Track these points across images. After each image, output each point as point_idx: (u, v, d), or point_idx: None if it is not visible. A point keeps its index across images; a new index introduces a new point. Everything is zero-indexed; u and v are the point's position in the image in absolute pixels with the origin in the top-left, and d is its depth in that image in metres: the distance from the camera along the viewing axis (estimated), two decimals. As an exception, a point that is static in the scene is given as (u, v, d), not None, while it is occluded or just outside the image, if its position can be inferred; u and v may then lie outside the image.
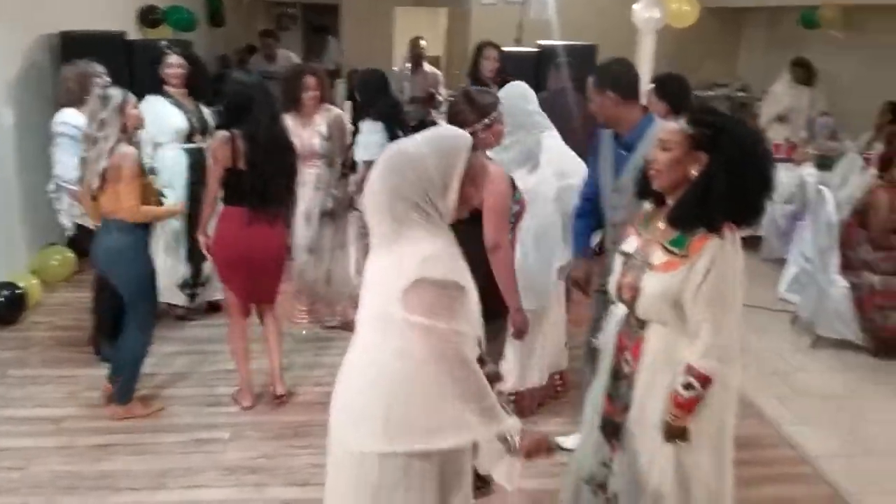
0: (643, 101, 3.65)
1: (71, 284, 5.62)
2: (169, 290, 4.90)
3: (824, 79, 8.92)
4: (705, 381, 2.28)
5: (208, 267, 5.00)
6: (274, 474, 3.55)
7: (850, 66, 8.60)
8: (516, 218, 3.13)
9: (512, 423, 2.04)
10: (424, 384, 1.98)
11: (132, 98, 3.70)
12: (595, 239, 3.65)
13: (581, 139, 5.17)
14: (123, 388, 3.93)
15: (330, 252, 5.01)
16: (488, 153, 3.08)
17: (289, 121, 4.43)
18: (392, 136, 4.67)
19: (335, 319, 5.13)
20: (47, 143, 4.46)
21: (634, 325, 2.47)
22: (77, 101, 4.35)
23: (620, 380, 2.53)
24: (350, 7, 12.66)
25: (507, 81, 4.07)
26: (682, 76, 3.94)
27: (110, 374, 3.98)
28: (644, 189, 2.50)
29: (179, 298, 5.08)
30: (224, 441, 3.80)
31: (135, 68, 5.75)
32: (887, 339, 4.91)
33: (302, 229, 4.89)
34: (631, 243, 2.51)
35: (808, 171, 6.52)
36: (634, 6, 6.78)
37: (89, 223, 4.11)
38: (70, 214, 4.47)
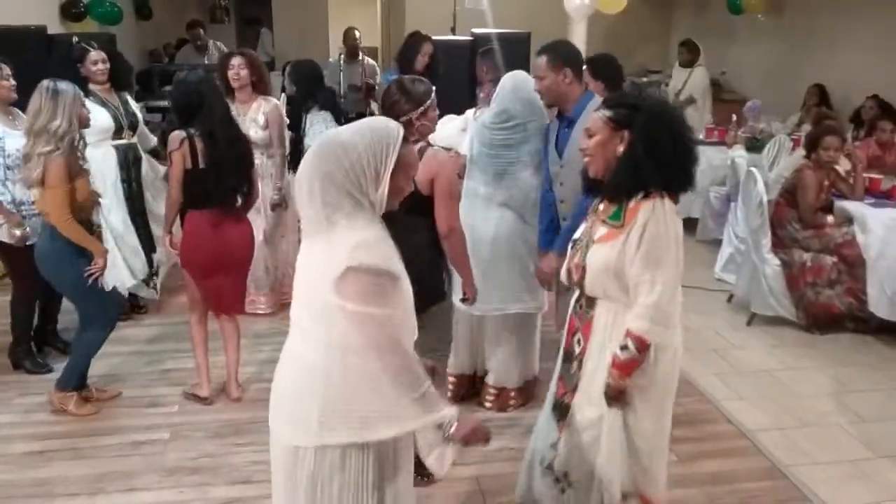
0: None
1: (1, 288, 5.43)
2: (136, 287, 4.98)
3: (752, 63, 9.14)
4: (640, 342, 2.34)
5: (156, 257, 5.08)
6: (216, 474, 3.49)
7: (776, 50, 8.83)
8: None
9: (448, 412, 2.02)
10: (359, 373, 1.96)
11: (81, 94, 3.64)
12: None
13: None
14: (67, 374, 3.88)
15: (268, 243, 5.01)
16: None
17: None
18: (340, 125, 4.67)
19: (275, 307, 5.17)
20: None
21: (585, 306, 2.53)
22: None
23: (571, 361, 2.59)
24: (282, -2, 12.48)
25: (437, 73, 4.08)
26: (613, 55, 4.01)
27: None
28: (589, 184, 2.57)
29: (146, 292, 5.13)
30: (164, 442, 3.71)
31: (56, 64, 5.53)
32: (819, 314, 5.06)
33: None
34: (581, 230, 2.59)
35: (739, 154, 6.66)
36: (566, -7, 6.82)
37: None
38: None
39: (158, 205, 4.84)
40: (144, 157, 5.05)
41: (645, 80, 9.92)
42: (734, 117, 7.52)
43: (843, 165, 5.68)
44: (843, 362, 4.69)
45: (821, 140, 5.09)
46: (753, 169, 5.35)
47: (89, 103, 4.55)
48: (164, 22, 12.33)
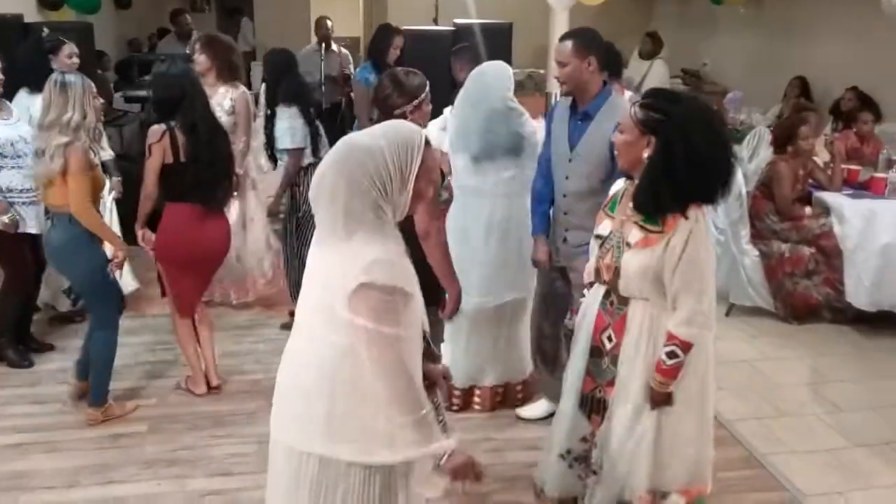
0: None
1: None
2: (54, 294, 4.78)
3: (733, 54, 9.17)
4: (687, 347, 2.43)
5: None
6: (195, 466, 3.47)
7: (758, 42, 8.86)
8: (446, 205, 3.13)
9: (445, 444, 2.00)
10: (366, 387, 1.95)
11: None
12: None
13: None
14: (97, 391, 3.76)
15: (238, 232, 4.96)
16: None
17: None
18: (307, 120, 4.60)
19: (246, 297, 5.15)
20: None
21: (616, 304, 2.57)
22: None
23: (602, 357, 2.63)
24: (263, -13, 12.40)
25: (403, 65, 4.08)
26: (611, 42, 3.88)
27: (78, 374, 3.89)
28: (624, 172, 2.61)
29: (64, 304, 4.85)
30: (142, 434, 3.69)
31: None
32: (797, 304, 5.10)
33: None
34: (605, 226, 2.61)
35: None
36: (548, -17, 6.79)
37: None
38: None
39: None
40: None
41: (626, 70, 9.95)
42: (735, 155, 7.52)
43: (822, 156, 5.72)
44: (821, 352, 4.74)
45: (797, 132, 5.11)
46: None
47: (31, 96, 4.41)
48: (143, 11, 12.20)
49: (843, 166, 5.53)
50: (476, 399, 3.92)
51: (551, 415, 3.27)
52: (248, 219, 5.04)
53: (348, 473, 2.00)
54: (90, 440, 3.64)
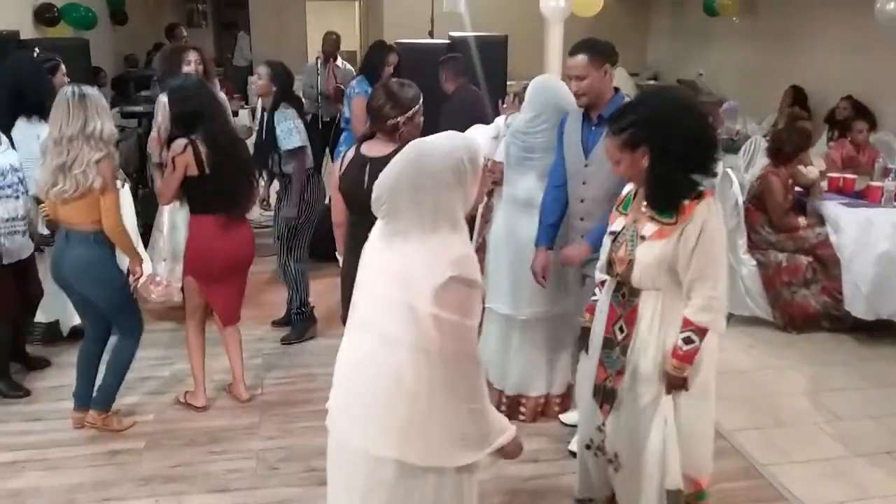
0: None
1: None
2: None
3: (728, 64, 9.19)
4: (703, 333, 2.52)
5: None
6: (192, 482, 3.45)
7: (752, 52, 8.90)
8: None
9: (509, 432, 2.13)
10: (442, 385, 1.99)
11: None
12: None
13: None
14: (105, 394, 3.77)
15: None
16: None
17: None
18: (312, 125, 4.72)
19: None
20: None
21: (628, 295, 2.65)
22: None
23: (614, 348, 2.70)
24: (259, 2, 12.46)
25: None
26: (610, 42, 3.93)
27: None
28: None
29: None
30: (139, 451, 3.67)
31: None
32: (795, 314, 5.09)
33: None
34: (618, 223, 2.69)
35: (715, 155, 6.70)
36: (542, -5, 6.85)
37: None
38: None
39: None
40: None
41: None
42: (710, 119, 7.56)
43: (817, 166, 5.73)
44: (819, 361, 4.72)
45: (799, 153, 5.14)
46: (729, 170, 5.38)
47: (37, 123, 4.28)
48: (139, 27, 12.25)
49: (839, 175, 5.55)
50: (521, 409, 3.94)
51: None
52: None
53: (426, 474, 2.05)
54: (86, 457, 3.62)
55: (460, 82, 5.30)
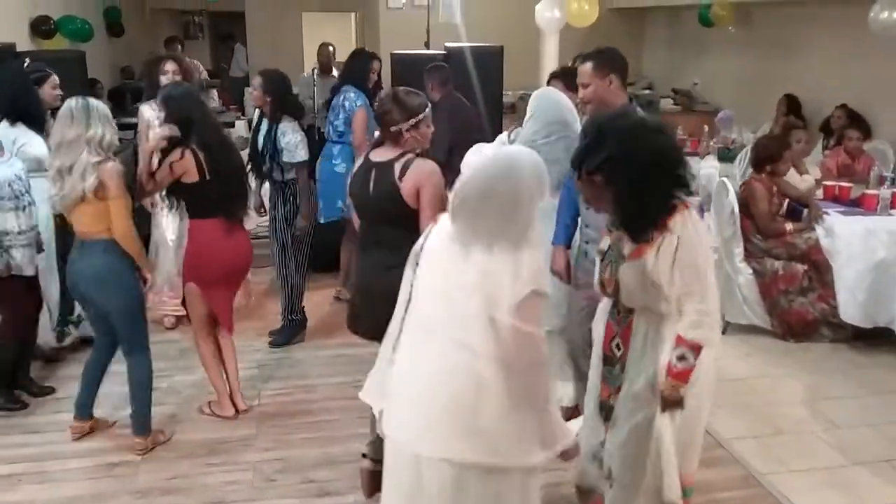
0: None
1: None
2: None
3: (723, 74, 9.21)
4: (697, 349, 2.48)
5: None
6: (189, 494, 3.44)
7: (747, 61, 8.93)
8: None
9: (571, 437, 2.26)
10: (518, 394, 2.08)
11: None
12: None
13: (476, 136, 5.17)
14: (142, 418, 3.72)
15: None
16: None
17: (149, 111, 4.65)
18: (309, 136, 4.73)
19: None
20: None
21: (623, 313, 2.65)
22: None
23: (613, 364, 2.71)
24: (255, 14, 12.49)
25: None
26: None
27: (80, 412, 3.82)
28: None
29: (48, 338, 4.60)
30: (136, 463, 3.65)
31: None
32: (793, 322, 5.08)
33: (172, 223, 4.94)
34: (605, 241, 2.70)
35: (711, 164, 6.71)
36: (537, 6, 6.86)
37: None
38: None
39: None
40: None
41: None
42: (706, 128, 7.59)
43: (813, 174, 5.75)
44: (817, 370, 4.72)
45: (782, 156, 5.13)
46: (725, 179, 5.39)
47: (25, 130, 4.29)
48: (135, 39, 12.27)
49: (835, 183, 5.56)
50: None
51: None
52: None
53: (504, 474, 2.14)
54: (83, 470, 3.60)
55: (446, 90, 5.30)
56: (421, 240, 2.32)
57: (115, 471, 3.60)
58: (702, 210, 6.45)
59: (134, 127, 7.03)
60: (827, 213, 5.14)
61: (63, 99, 4.27)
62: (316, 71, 7.05)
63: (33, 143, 4.25)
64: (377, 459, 3.34)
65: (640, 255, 2.49)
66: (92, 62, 6.17)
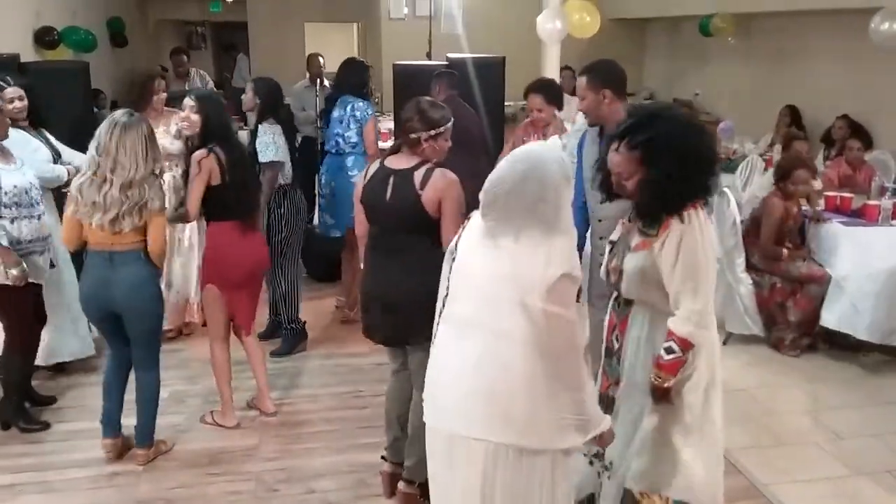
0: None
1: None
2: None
3: (724, 84, 9.23)
4: (685, 344, 2.52)
5: None
6: (191, 504, 3.44)
7: (748, 72, 8.95)
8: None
9: (606, 422, 2.32)
10: (553, 378, 2.15)
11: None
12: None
13: (480, 149, 5.21)
14: (148, 429, 3.72)
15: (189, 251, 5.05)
16: None
17: None
18: (289, 142, 4.76)
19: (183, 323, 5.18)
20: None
21: (622, 305, 2.73)
22: None
23: (612, 356, 2.79)
24: (258, 25, 12.54)
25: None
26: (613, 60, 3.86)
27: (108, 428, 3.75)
28: (608, 191, 2.71)
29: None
30: (137, 473, 3.65)
31: (28, 92, 5.51)
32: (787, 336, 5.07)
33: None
34: (616, 232, 2.76)
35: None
36: (538, 18, 6.89)
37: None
38: None
39: None
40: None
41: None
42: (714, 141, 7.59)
43: (815, 184, 5.74)
44: (819, 380, 4.72)
45: (791, 173, 5.08)
46: (727, 189, 5.39)
47: (26, 135, 4.22)
48: (139, 49, 12.32)
49: (836, 194, 5.56)
50: None
51: None
52: (191, 245, 5.11)
53: (539, 456, 2.20)
54: (84, 480, 3.60)
55: (450, 95, 5.31)
56: (456, 237, 2.40)
57: (116, 480, 3.60)
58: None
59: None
60: (829, 220, 5.16)
61: (27, 110, 4.25)
62: (318, 82, 7.05)
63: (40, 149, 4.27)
64: (396, 462, 3.37)
65: (643, 248, 2.56)
66: (96, 73, 6.18)
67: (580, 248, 3.59)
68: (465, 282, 2.27)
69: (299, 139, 7.08)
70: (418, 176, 3.03)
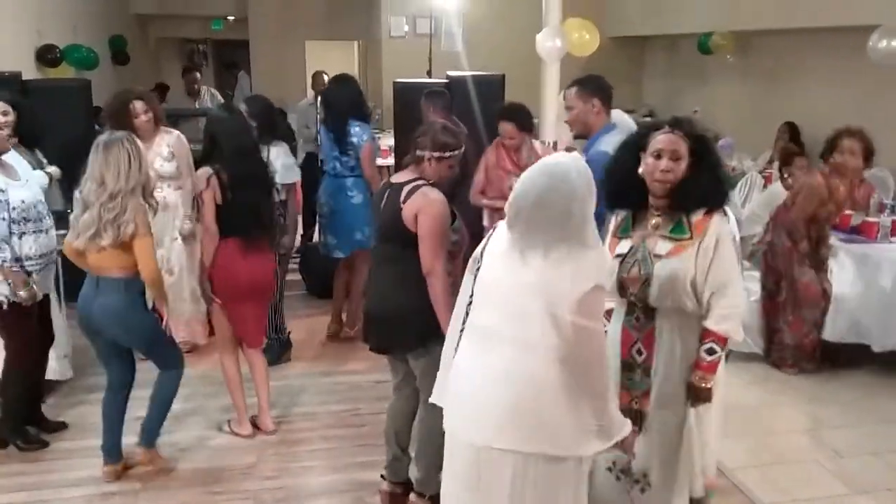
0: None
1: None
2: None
3: (723, 102, 9.27)
4: (724, 342, 2.65)
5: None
6: (188, 523, 3.43)
7: (747, 89, 8.99)
8: (458, 248, 3.27)
9: (628, 427, 2.35)
10: (580, 387, 2.19)
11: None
12: None
13: (473, 167, 5.21)
14: (153, 430, 3.76)
15: (189, 272, 5.00)
16: None
17: None
18: (311, 164, 4.78)
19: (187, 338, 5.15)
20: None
21: (642, 318, 2.74)
22: None
23: (635, 370, 2.80)
24: (259, 42, 12.59)
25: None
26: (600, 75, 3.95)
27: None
28: (622, 198, 2.76)
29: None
30: (135, 492, 3.63)
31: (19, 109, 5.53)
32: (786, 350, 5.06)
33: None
34: (623, 246, 2.76)
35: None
36: (538, 36, 6.92)
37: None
38: None
39: None
40: None
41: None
42: None
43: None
44: (818, 398, 4.70)
45: (838, 143, 4.89)
46: (725, 207, 5.39)
47: (16, 155, 4.09)
48: (141, 67, 12.38)
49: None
50: None
51: None
52: (192, 267, 5.05)
53: (564, 462, 2.24)
54: (82, 498, 3.58)
55: (443, 115, 5.29)
56: (479, 247, 2.43)
57: (114, 500, 3.58)
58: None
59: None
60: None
61: (14, 127, 4.12)
62: (319, 98, 7.09)
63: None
64: (395, 482, 3.37)
65: (678, 253, 2.62)
66: (97, 90, 6.22)
67: None
68: (490, 291, 2.29)
69: (303, 156, 7.13)
70: (406, 190, 3.09)
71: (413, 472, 3.34)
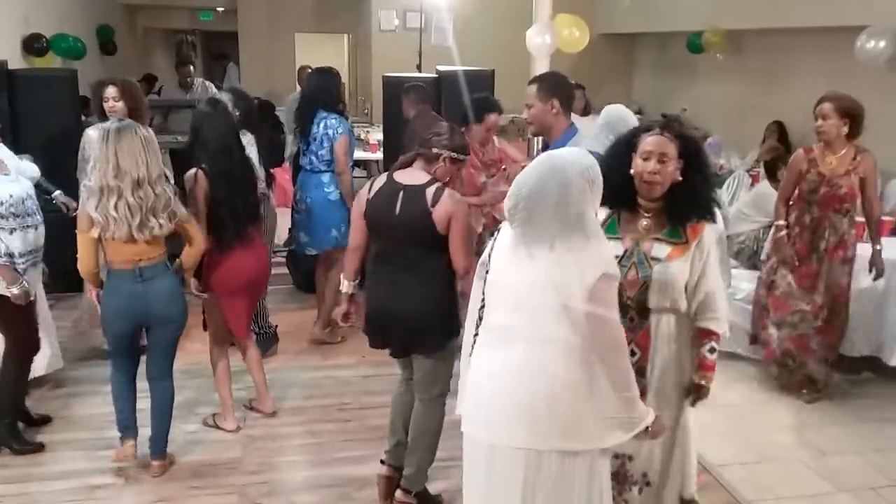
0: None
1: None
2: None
3: (712, 100, 9.30)
4: (719, 340, 2.72)
5: None
6: (173, 517, 3.41)
7: (736, 88, 9.01)
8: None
9: (652, 414, 2.36)
10: (599, 378, 2.19)
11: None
12: None
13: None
14: (163, 441, 3.73)
15: None
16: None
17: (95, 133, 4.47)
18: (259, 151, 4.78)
19: None
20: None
21: (636, 319, 2.71)
22: None
23: None
24: (248, 34, 12.53)
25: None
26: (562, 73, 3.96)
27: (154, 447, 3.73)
28: (611, 198, 2.69)
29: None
30: (119, 486, 3.62)
31: (15, 100, 5.51)
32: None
33: None
34: (615, 248, 2.72)
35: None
36: (527, 32, 6.91)
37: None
38: None
39: None
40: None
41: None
42: None
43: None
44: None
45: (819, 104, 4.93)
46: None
47: (5, 149, 4.05)
48: (128, 57, 12.29)
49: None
50: None
51: None
52: None
53: (580, 457, 2.24)
54: (66, 492, 3.56)
55: (420, 108, 5.25)
56: (486, 252, 2.42)
57: (98, 494, 3.56)
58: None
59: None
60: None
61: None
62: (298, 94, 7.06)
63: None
64: (396, 466, 3.36)
65: (677, 256, 2.63)
66: (84, 80, 6.16)
67: None
68: (501, 291, 2.29)
69: (294, 150, 7.08)
70: (430, 194, 3.07)
71: (405, 468, 3.34)
